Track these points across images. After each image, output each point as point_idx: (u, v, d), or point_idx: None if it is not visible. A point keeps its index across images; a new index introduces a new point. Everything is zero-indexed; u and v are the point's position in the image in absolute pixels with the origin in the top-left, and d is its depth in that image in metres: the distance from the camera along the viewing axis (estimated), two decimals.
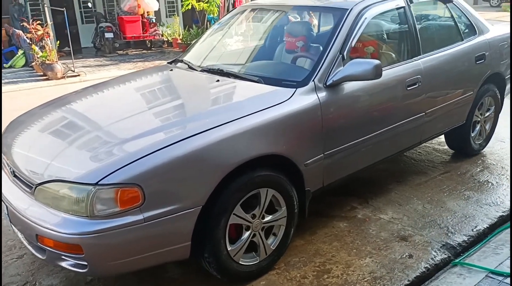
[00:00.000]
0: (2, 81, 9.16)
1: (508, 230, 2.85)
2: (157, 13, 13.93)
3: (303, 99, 2.54)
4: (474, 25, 3.77)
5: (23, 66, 10.63)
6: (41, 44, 9.61)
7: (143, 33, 12.48)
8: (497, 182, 3.57)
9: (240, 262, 2.39)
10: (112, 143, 2.22)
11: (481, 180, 3.62)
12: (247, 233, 2.39)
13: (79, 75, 9.47)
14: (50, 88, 8.44)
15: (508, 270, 2.41)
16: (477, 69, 3.69)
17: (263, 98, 2.56)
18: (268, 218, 2.47)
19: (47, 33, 9.47)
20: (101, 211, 1.95)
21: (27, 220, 2.08)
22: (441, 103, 3.41)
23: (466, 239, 2.84)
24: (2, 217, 2.71)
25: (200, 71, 3.09)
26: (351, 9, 2.92)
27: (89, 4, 12.87)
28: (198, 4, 11.64)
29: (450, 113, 3.57)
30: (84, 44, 13.89)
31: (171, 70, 3.25)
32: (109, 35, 12.02)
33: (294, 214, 2.58)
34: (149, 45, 13.12)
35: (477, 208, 3.20)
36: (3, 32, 11.08)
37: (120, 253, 2.02)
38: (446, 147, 4.20)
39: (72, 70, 9.62)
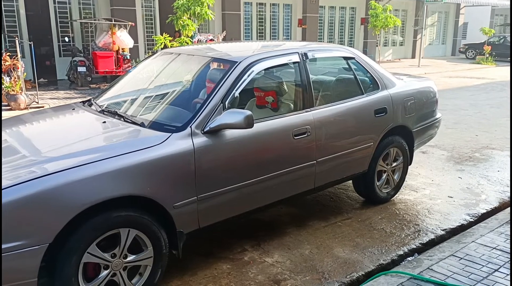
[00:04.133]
0: None
1: (379, 278, 2.96)
2: (135, 50, 14.32)
3: (177, 143, 2.70)
4: (377, 80, 4.01)
5: None
6: (11, 75, 9.86)
7: (116, 69, 12.77)
8: (390, 231, 3.70)
9: None
10: None
11: (376, 228, 3.75)
12: (105, 272, 2.47)
13: (43, 107, 9.62)
14: None
15: None
16: (377, 122, 3.90)
17: (137, 141, 2.71)
18: (130, 258, 2.56)
19: (15, 64, 9.72)
20: None
21: None
22: (335, 152, 3.58)
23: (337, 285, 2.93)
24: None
25: (99, 111, 3.26)
26: (240, 63, 3.14)
27: (66, 39, 13.25)
28: (171, 44, 12.01)
29: (348, 162, 3.74)
30: (61, 77, 14.17)
31: (73, 109, 3.42)
32: (81, 69, 12.29)
33: (162, 255, 2.68)
34: None
35: (361, 254, 3.31)
36: None
37: None
38: None
39: (36, 102, 9.80)
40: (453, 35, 26.07)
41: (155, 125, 2.88)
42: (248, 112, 2.78)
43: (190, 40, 12.09)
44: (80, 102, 3.70)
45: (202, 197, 2.81)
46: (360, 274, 3.07)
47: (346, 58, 3.92)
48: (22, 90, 9.58)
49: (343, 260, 3.23)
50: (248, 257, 3.25)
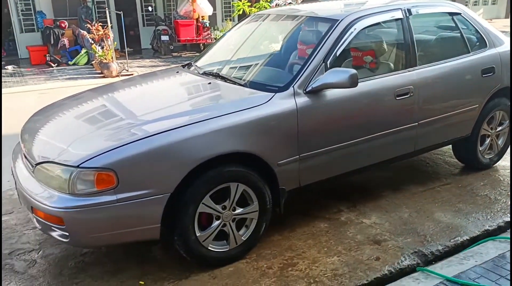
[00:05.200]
0: (65, 76, 10.12)
1: (487, 243, 2.85)
2: (213, 17, 14.54)
3: (280, 103, 2.74)
4: (484, 37, 3.73)
5: (86, 64, 11.61)
6: (102, 44, 10.50)
7: (196, 37, 13.09)
8: (495, 198, 3.51)
9: (209, 248, 2.63)
10: (101, 133, 2.56)
11: (479, 194, 3.58)
12: (217, 222, 2.63)
13: (132, 75, 10.19)
14: None
15: (466, 280, 2.45)
16: (484, 82, 3.65)
17: (243, 101, 2.79)
18: (239, 210, 2.70)
19: (107, 34, 10.31)
20: (81, 190, 2.29)
21: (26, 194, 2.48)
22: (438, 114, 3.43)
23: (441, 249, 2.87)
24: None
25: (201, 74, 3.39)
26: (341, 20, 3.07)
27: (149, 8, 13.77)
28: (250, 10, 12.00)
29: (451, 125, 3.57)
30: (144, 46, 14.83)
31: (177, 72, 3.58)
32: (164, 37, 12.76)
33: (266, 209, 2.78)
34: (202, 48, 13.72)
35: (464, 220, 3.19)
36: (70, 31, 12.17)
37: (96, 228, 2.35)
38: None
39: (126, 69, 10.39)
40: None
41: (258, 85, 2.94)
42: (353, 71, 2.73)
43: (268, 5, 11.99)
44: (181, 65, 3.86)
45: (304, 156, 2.85)
46: (465, 239, 2.97)
47: (451, 14, 3.67)
48: (113, 59, 10.20)
49: (445, 224, 3.14)
50: (345, 218, 3.27)
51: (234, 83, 3.06)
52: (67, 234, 2.35)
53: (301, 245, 2.93)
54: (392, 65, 3.38)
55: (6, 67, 11.18)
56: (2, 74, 10.42)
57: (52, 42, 11.95)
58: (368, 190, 3.69)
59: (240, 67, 3.47)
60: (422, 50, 3.47)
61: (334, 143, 2.96)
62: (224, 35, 4.15)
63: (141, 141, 2.36)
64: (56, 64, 11.43)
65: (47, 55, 11.67)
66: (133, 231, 2.41)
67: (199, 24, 13.20)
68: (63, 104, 3.35)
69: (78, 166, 2.28)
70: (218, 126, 2.52)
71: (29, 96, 8.16)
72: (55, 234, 2.42)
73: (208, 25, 13.42)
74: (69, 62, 11.66)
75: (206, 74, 3.36)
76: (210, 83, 3.13)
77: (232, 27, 4.18)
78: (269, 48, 3.75)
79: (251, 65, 3.41)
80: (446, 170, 4.08)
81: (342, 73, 2.75)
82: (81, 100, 3.33)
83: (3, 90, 8.72)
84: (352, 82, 2.73)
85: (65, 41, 11.93)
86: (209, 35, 13.42)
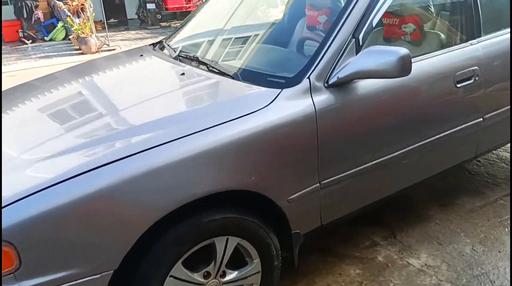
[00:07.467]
0: (39, 54, 9.04)
1: None
2: None
3: (290, 105, 1.74)
4: None
5: (64, 39, 10.46)
6: (81, 16, 9.32)
7: (186, 4, 11.85)
8: None
9: None
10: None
11: None
12: None
13: (114, 50, 9.07)
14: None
15: None
16: None
17: (230, 104, 1.80)
18: (231, 275, 1.75)
19: (83, 5, 9.12)
20: None
21: None
22: (507, 103, 2.44)
23: None
24: None
25: (174, 58, 2.36)
26: None
27: None
28: None
29: None
30: (130, 16, 13.58)
31: (141, 55, 2.55)
32: (151, 6, 11.56)
33: (273, 267, 1.84)
34: None
35: None
36: (45, 3, 10.95)
37: None
38: None
39: (107, 44, 9.27)
40: None
41: (254, 77, 1.93)
42: (404, 51, 1.72)
43: None
44: (150, 45, 2.83)
45: (327, 183, 1.88)
46: None
47: None
48: (92, 32, 9.06)
49: None
50: (383, 257, 2.33)
51: (219, 73, 2.04)
52: None
53: None
54: (442, 36, 2.36)
55: None
56: None
57: (25, 15, 10.73)
58: (408, 208, 2.74)
59: (229, 46, 2.45)
60: (488, 13, 2.43)
61: (371, 159, 1.98)
62: (204, 4, 3.07)
63: (51, 189, 1.37)
64: (30, 41, 10.28)
65: (20, 30, 10.50)
66: None
67: None
68: None
69: None
70: (187, 152, 1.52)
71: None
72: None
73: None
74: (45, 37, 10.50)
75: (180, 58, 2.33)
76: (183, 73, 2.10)
77: None
78: (268, 16, 2.71)
79: (244, 43, 2.39)
80: (505, 171, 3.11)
81: (386, 55, 1.74)
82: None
83: None
84: (403, 68, 1.73)
85: (40, 14, 10.71)
86: (201, 2, 12.15)
